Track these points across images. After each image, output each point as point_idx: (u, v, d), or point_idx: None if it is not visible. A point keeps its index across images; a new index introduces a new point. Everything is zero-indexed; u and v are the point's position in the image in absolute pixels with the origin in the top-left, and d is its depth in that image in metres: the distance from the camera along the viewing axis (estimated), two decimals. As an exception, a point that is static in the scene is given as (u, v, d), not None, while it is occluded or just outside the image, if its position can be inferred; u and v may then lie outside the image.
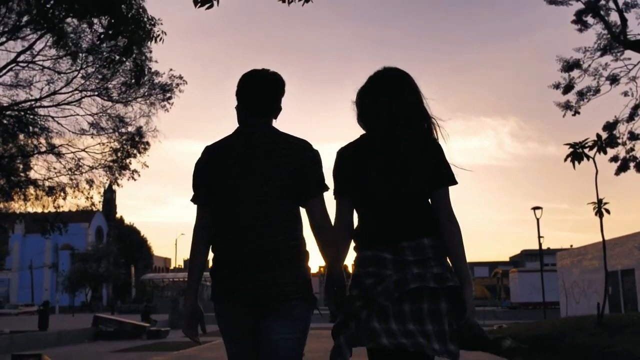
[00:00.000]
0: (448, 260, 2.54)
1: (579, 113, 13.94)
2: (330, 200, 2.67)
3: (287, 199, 2.54)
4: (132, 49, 9.58)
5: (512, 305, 46.80)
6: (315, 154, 2.62)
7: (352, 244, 2.65)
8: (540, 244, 28.47)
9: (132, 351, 14.12)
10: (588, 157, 9.06)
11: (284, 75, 2.76)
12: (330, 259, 2.58)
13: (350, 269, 2.74)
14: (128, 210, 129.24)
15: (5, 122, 17.81)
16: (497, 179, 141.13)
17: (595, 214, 9.38)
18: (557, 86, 13.99)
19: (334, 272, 2.57)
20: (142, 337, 19.90)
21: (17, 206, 20.24)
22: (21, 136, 18.57)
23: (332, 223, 2.63)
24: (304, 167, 2.55)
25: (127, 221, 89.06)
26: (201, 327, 2.65)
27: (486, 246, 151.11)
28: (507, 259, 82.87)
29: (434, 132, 2.69)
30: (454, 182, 2.60)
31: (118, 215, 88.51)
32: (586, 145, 9.05)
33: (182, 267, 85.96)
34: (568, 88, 13.94)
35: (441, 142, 2.67)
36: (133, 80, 15.83)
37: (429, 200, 2.60)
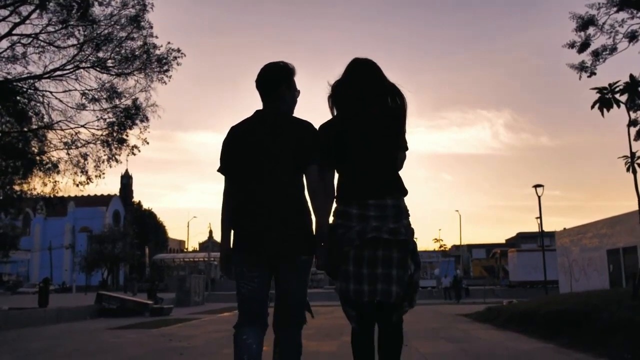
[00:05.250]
0: (406, 219, 2.91)
1: (594, 74, 11.91)
2: None
3: (293, 169, 2.88)
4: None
5: (511, 284, 45.38)
6: (315, 130, 2.96)
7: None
8: (541, 220, 26.85)
9: (126, 328, 12.59)
10: (619, 103, 7.24)
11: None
12: (320, 218, 2.88)
13: None
14: (148, 197, 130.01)
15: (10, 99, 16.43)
16: (492, 167, 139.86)
17: (627, 170, 7.58)
18: (571, 45, 11.91)
19: (322, 230, 2.88)
20: (144, 315, 18.51)
21: (20, 188, 18.96)
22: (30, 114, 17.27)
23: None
24: (305, 140, 2.89)
25: (145, 206, 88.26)
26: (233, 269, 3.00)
27: (483, 230, 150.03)
28: (504, 241, 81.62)
29: (396, 103, 2.98)
30: (406, 149, 3.00)
31: (136, 200, 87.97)
32: (616, 89, 7.21)
33: (197, 249, 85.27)
34: (584, 46, 11.84)
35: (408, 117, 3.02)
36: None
37: (392, 163, 2.95)
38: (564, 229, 33.34)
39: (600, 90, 7.17)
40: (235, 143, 2.94)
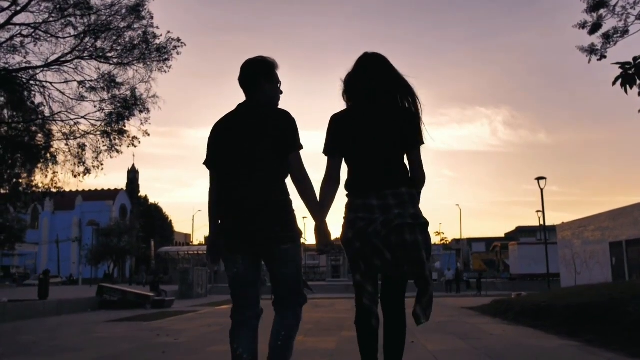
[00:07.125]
0: (418, 205, 2.93)
1: (605, 57, 11.13)
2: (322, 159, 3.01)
3: (275, 159, 2.87)
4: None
5: (512, 276, 44.75)
6: (293, 120, 2.96)
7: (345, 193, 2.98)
8: (543, 212, 26.14)
9: (121, 321, 11.93)
10: None
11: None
12: (312, 206, 2.88)
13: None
14: (154, 191, 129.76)
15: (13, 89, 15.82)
16: (491, 164, 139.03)
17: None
18: (582, 25, 11.11)
19: (317, 216, 2.88)
20: (146, 307, 17.90)
21: (26, 181, 18.40)
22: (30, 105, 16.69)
23: (311, 176, 2.96)
24: (285, 130, 2.90)
25: (151, 201, 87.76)
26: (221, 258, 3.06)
27: (482, 224, 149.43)
28: (503, 235, 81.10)
29: (409, 101, 2.97)
30: (422, 143, 2.96)
31: (142, 195, 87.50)
32: None
33: (202, 243, 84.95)
34: (596, 27, 10.99)
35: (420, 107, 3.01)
36: None
37: (404, 156, 2.94)
38: (562, 223, 32.66)
39: (622, 65, 6.40)
40: (219, 137, 3.00)
